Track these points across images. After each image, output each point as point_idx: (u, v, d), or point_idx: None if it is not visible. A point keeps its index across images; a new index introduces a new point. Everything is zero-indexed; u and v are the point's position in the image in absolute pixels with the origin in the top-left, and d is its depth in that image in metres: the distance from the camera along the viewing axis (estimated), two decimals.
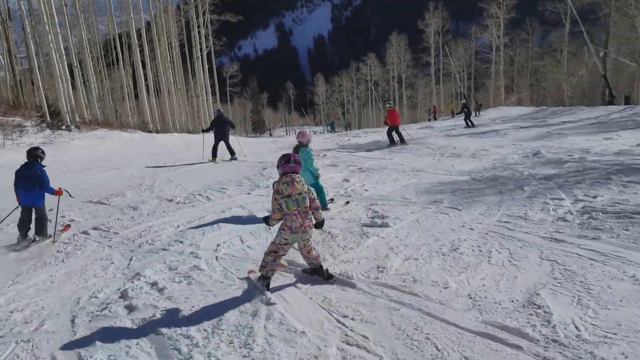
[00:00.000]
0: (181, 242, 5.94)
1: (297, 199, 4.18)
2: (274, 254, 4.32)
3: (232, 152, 14.65)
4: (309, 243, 4.39)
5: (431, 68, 55.14)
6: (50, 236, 6.58)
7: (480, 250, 4.95)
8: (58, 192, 6.75)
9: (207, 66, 35.61)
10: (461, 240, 5.35)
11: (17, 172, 6.53)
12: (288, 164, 4.31)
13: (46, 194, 6.68)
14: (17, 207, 6.60)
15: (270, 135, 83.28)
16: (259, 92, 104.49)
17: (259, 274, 4.41)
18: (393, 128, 16.59)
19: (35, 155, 6.67)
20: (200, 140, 16.62)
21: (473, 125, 22.74)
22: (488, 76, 50.98)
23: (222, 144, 14.52)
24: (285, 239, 4.26)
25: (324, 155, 14.33)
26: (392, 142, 16.63)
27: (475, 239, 5.36)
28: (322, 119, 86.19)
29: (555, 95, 45.09)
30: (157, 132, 28.69)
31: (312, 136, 9.95)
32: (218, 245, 5.73)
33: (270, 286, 4.30)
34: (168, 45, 34.30)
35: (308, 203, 4.26)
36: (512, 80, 51.74)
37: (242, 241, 5.88)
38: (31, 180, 6.45)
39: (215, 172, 12.21)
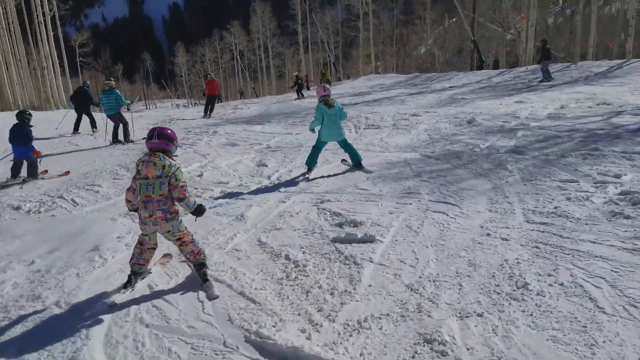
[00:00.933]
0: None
1: (152, 184, 3.46)
2: (139, 245, 3.73)
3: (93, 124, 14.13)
4: (175, 237, 3.63)
5: (299, 36, 53.32)
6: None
7: (562, 285, 3.06)
8: (36, 153, 7.99)
9: (52, 33, 29.62)
10: (511, 264, 3.42)
11: (10, 131, 7.99)
12: (150, 139, 3.55)
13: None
14: (9, 154, 8.50)
15: (128, 109, 76.36)
16: (113, 64, 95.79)
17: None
18: (212, 98, 17.13)
19: (23, 117, 8.13)
20: (56, 119, 15.37)
21: None
22: (356, 44, 50.70)
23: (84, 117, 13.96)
24: (142, 231, 3.67)
25: (214, 132, 11.64)
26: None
27: (527, 258, 3.48)
28: (184, 91, 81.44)
29: (420, 62, 46.32)
30: None
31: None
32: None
33: (138, 281, 3.69)
34: (1, 9, 27.82)
35: (165, 190, 3.47)
36: (380, 48, 52.11)
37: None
38: (21, 137, 7.89)
39: (78, 159, 9.29)
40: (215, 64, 72.21)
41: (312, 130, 6.95)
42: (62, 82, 32.20)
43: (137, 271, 3.70)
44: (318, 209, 5.02)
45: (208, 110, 17.00)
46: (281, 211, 5.08)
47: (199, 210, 3.66)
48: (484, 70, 26.48)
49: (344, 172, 6.71)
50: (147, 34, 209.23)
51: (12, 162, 8.02)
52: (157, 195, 3.46)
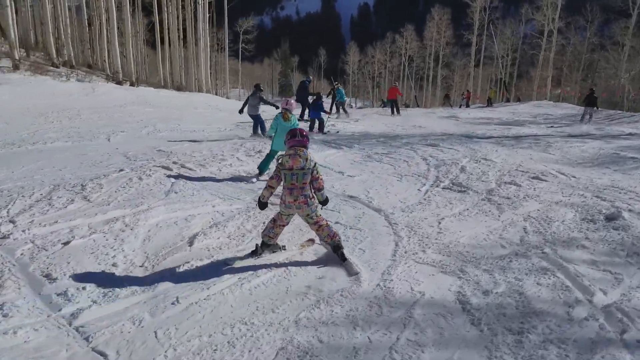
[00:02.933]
0: None
1: (297, 174, 4.12)
2: (273, 221, 4.35)
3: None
4: (313, 220, 4.25)
5: (472, 48, 48.95)
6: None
7: None
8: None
9: (207, 10, 30.86)
10: None
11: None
12: (294, 137, 4.25)
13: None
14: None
15: (296, 100, 79.30)
16: (290, 55, 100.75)
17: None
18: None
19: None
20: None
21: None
22: (534, 64, 44.74)
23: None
24: (282, 212, 4.30)
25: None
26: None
27: None
28: (350, 89, 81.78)
29: (607, 95, 38.91)
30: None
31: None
32: None
33: (266, 253, 4.41)
34: None
35: (308, 179, 4.17)
36: (561, 72, 45.27)
37: None
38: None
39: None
40: (384, 67, 70.93)
41: (269, 136, 8.31)
42: (216, 65, 33.46)
43: (267, 242, 4.38)
44: None
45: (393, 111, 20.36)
46: None
47: (326, 201, 4.42)
48: None
49: None
50: (333, 31, 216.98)
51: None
52: (300, 184, 4.13)
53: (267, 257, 4.33)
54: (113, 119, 13.82)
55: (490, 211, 5.98)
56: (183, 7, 31.68)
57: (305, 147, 4.23)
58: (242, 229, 5.21)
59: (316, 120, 13.85)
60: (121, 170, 7.46)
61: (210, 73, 34.64)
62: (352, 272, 4.02)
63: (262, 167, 7.68)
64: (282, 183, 4.20)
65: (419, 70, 63.26)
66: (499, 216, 5.77)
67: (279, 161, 4.18)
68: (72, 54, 25.18)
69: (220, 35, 40.32)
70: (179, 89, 29.10)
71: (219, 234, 4.98)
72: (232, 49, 52.37)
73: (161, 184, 6.81)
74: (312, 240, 4.76)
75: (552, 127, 16.71)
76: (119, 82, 23.00)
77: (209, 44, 32.21)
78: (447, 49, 56.74)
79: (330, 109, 17.54)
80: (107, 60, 26.87)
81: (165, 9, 30.62)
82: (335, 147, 10.70)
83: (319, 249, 4.62)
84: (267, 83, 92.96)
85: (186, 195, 6.33)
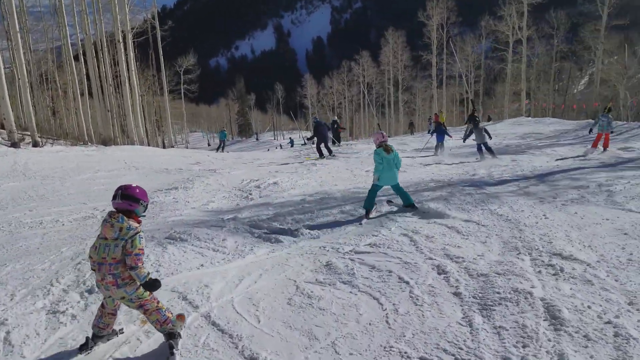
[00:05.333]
0: None
1: (109, 245, 3.27)
2: (102, 308, 3.52)
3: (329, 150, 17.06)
4: (134, 304, 3.35)
5: (432, 69, 45.80)
6: None
7: None
8: None
9: (132, 47, 26.21)
10: None
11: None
12: (114, 199, 3.36)
13: None
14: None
15: (257, 139, 76.38)
16: (246, 93, 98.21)
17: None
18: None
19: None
20: None
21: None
22: (502, 80, 41.73)
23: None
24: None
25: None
26: None
27: None
28: (312, 123, 78.12)
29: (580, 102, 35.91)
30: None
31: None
32: None
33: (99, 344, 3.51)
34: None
35: (119, 254, 3.24)
36: (531, 84, 42.31)
37: None
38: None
39: None
40: (343, 97, 67.64)
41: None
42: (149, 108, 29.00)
43: (97, 334, 3.52)
44: None
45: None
46: None
47: (151, 285, 3.35)
48: None
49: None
50: (290, 67, 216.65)
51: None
52: (110, 259, 3.27)
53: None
54: None
55: None
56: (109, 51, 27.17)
57: (129, 211, 3.34)
58: None
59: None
60: None
61: (145, 119, 30.43)
62: None
63: (368, 205, 7.07)
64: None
65: (379, 97, 60.22)
66: None
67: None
68: None
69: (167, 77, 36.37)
70: (104, 142, 24.27)
71: None
72: (177, 91, 48.00)
73: None
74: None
75: (559, 160, 12.53)
76: (14, 144, 18.01)
77: (137, 87, 27.57)
78: (406, 72, 53.70)
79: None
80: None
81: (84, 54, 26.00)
82: (270, 242, 6.13)
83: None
84: (225, 124, 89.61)
85: None
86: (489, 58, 44.14)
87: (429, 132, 33.89)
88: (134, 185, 3.47)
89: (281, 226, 6.64)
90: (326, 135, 17.18)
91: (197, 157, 18.38)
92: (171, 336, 3.40)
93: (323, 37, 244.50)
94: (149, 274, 3.32)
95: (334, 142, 22.54)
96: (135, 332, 3.73)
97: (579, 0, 32.77)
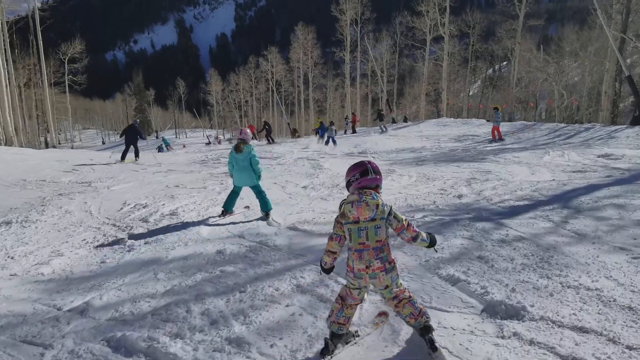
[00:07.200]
0: None
1: (366, 228, 2.71)
2: (340, 300, 2.89)
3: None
4: (391, 294, 2.80)
5: (345, 66, 43.36)
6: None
7: None
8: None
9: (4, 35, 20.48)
10: None
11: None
12: (365, 176, 2.83)
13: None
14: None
15: (157, 137, 69.29)
16: (145, 89, 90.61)
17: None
18: None
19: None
20: None
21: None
22: (417, 79, 40.25)
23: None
24: (351, 283, 2.84)
25: None
26: None
27: None
28: (217, 121, 74.04)
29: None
30: None
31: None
32: None
33: (340, 348, 2.86)
34: None
35: (383, 235, 2.73)
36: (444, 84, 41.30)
37: None
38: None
39: None
40: (250, 94, 63.54)
41: (231, 175, 6.84)
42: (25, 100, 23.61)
43: (337, 332, 2.90)
44: None
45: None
46: None
47: (435, 241, 2.99)
48: None
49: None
50: (193, 63, 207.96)
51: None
52: (374, 242, 2.74)
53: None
54: None
55: None
56: None
57: (378, 187, 2.89)
58: None
59: None
60: None
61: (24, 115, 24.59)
62: None
63: (226, 206, 6.75)
64: (346, 242, 2.81)
65: (289, 95, 57.03)
66: None
67: (340, 210, 2.80)
68: None
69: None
70: None
71: None
72: (64, 83, 41.09)
73: None
74: (385, 314, 3.29)
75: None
76: None
77: (3, 73, 21.78)
78: (317, 69, 50.88)
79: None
80: None
81: None
82: None
83: (397, 323, 3.11)
84: (122, 120, 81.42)
85: None
86: (404, 56, 42.53)
87: (345, 132, 31.43)
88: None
89: (176, 347, 2.92)
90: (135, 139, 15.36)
91: (76, 161, 13.83)
92: (428, 330, 2.75)
93: (227, 33, 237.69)
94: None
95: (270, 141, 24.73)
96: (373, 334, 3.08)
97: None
